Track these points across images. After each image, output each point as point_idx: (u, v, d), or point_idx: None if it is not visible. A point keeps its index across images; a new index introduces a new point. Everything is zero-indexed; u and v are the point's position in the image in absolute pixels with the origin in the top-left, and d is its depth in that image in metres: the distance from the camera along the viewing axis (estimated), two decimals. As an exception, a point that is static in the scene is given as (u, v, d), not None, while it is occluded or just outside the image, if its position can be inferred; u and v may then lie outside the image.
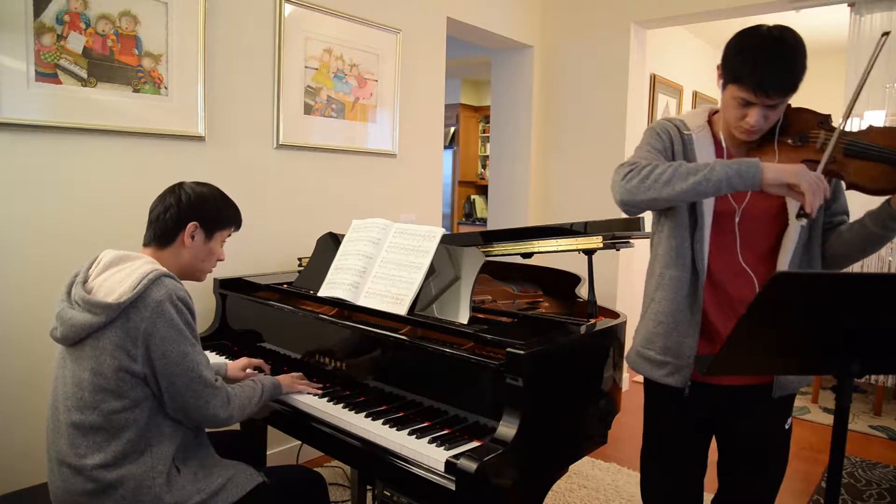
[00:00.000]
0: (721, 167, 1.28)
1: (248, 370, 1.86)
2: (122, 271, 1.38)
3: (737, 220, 1.44)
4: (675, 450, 1.58)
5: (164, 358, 1.34)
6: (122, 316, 1.32)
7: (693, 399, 1.49)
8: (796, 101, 1.39)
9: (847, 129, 1.34)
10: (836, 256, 1.48)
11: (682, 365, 1.47)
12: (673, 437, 1.58)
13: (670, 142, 1.47)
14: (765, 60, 1.29)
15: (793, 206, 1.38)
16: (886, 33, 1.29)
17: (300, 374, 1.82)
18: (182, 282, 1.52)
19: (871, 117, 3.53)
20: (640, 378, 1.64)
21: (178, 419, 1.41)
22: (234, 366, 1.86)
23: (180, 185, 1.55)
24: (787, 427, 1.56)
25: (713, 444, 1.61)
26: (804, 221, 1.28)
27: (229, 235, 1.62)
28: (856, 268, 3.86)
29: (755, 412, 1.51)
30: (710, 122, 1.51)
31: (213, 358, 2.06)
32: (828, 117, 1.41)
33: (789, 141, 1.39)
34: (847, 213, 1.52)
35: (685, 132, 1.48)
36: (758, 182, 1.26)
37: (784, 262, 1.43)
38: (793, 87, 1.31)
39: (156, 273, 1.36)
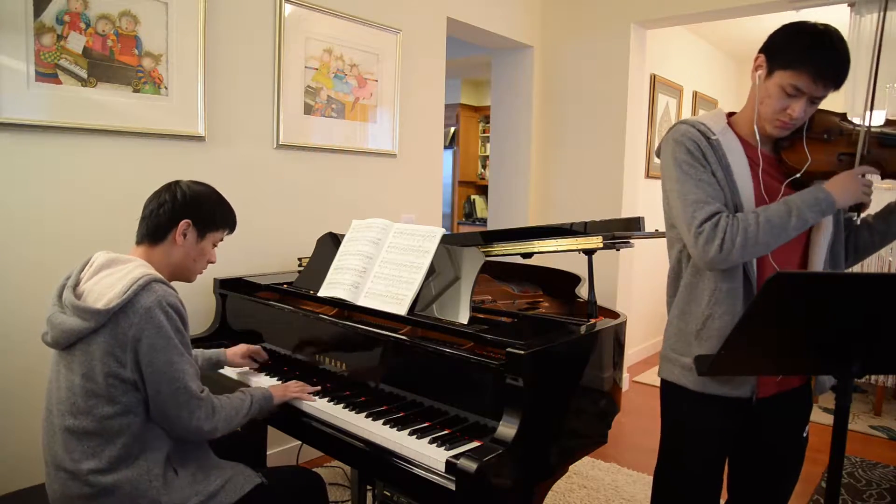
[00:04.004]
0: (805, 209, 1.31)
1: (247, 358, 1.95)
2: (113, 275, 1.36)
3: None
4: (706, 462, 1.52)
5: (150, 366, 1.32)
6: (111, 321, 1.30)
7: (747, 408, 1.46)
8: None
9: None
10: (866, 247, 1.52)
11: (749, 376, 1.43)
12: (707, 449, 1.52)
13: (701, 153, 1.40)
14: (829, 50, 1.30)
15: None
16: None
17: (296, 381, 1.79)
18: (174, 283, 1.51)
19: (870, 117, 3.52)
20: (641, 378, 1.63)
21: (164, 428, 1.40)
22: (234, 352, 1.92)
23: (176, 182, 1.53)
24: (805, 435, 1.55)
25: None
26: (855, 216, 1.44)
27: (222, 239, 1.60)
28: (856, 268, 3.86)
29: (781, 420, 1.51)
30: (728, 124, 1.47)
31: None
32: (844, 115, 1.44)
33: (825, 136, 1.41)
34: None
35: (712, 137, 1.41)
36: (834, 206, 1.33)
37: (818, 258, 1.44)
38: (844, 81, 1.33)
39: (146, 278, 1.34)
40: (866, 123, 1.34)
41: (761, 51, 1.39)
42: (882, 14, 1.41)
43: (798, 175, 1.41)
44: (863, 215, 1.45)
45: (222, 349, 1.93)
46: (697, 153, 1.39)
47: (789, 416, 1.52)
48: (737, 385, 1.44)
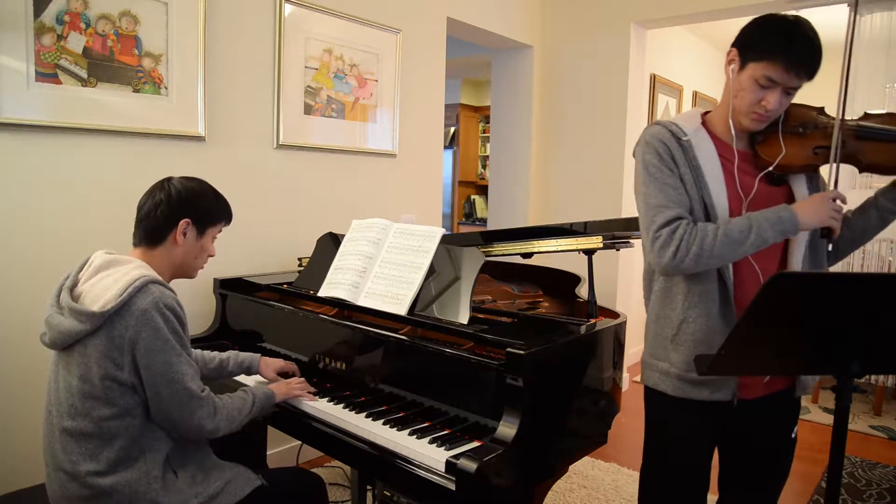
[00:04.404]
0: (766, 227, 1.30)
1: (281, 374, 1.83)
2: (111, 276, 1.36)
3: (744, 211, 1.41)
4: (690, 465, 1.51)
5: (148, 368, 1.31)
6: (107, 324, 1.30)
7: (730, 412, 1.45)
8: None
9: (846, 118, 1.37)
10: (847, 245, 1.50)
11: (728, 378, 1.42)
12: (690, 453, 1.51)
13: (670, 156, 1.39)
14: (800, 39, 1.30)
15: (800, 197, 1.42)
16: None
17: (300, 378, 1.79)
18: (175, 281, 1.50)
19: (871, 117, 3.55)
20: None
21: (165, 428, 1.39)
22: (268, 364, 1.82)
23: (168, 180, 1.51)
24: (793, 436, 1.55)
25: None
26: (829, 246, 1.42)
27: (220, 231, 1.59)
28: (856, 268, 3.86)
29: (769, 421, 1.50)
30: (703, 123, 1.46)
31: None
32: (822, 109, 1.42)
33: (800, 129, 1.39)
34: None
35: (683, 139, 1.40)
36: (797, 228, 1.32)
37: (796, 258, 1.43)
38: (817, 71, 1.32)
39: (143, 280, 1.33)
40: (841, 116, 1.33)
41: (733, 45, 1.39)
42: (853, 16, 1.40)
43: (771, 168, 1.39)
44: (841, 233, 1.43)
45: (258, 355, 1.83)
46: (666, 156, 1.39)
47: (777, 418, 1.51)
48: (716, 389, 1.42)
